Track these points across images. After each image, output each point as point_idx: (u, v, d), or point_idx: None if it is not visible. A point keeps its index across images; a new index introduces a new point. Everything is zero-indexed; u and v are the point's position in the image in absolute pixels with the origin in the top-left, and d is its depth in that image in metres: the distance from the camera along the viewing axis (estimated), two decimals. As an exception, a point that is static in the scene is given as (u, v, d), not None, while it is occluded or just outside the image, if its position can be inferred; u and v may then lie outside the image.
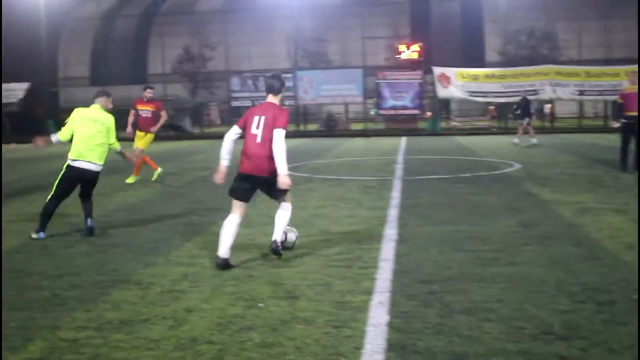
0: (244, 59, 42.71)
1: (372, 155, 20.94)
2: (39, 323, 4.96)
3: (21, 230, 8.76)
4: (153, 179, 13.99)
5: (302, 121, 38.68)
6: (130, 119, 14.36)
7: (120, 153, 8.83)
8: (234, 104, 38.29)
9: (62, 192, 8.34)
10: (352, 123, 41.57)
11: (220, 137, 7.58)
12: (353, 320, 4.87)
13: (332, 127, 37.57)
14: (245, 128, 6.76)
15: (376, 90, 36.80)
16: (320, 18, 41.74)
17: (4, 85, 40.56)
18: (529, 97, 27.03)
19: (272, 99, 6.89)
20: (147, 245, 7.64)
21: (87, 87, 43.54)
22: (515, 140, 23.77)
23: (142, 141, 14.14)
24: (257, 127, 6.67)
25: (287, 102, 38.10)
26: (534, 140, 23.30)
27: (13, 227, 9.11)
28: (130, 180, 14.00)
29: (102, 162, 8.38)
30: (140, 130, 14.22)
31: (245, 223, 7.29)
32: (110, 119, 8.53)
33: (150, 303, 5.38)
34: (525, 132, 23.86)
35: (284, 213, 6.91)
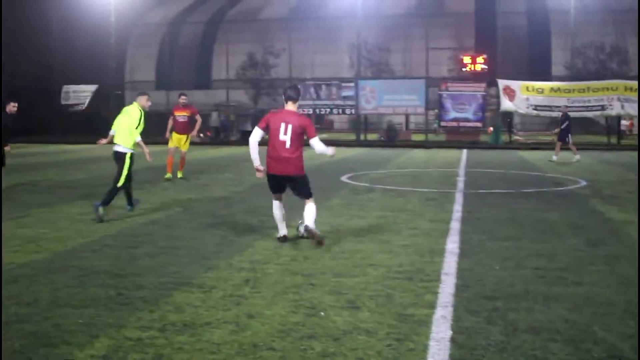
0: (307, 67, 43.00)
1: (433, 167, 20.75)
2: (105, 321, 5.05)
3: (87, 229, 8.98)
4: (165, 176, 15.52)
5: (362, 130, 38.60)
6: (169, 124, 16.16)
7: (138, 144, 10.15)
8: (296, 111, 38.52)
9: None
10: (413, 134, 41.32)
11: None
12: (415, 334, 4.81)
13: (392, 138, 37.39)
14: (267, 131, 7.89)
15: (438, 101, 36.48)
16: (384, 28, 41.76)
17: (74, 87, 41.77)
18: (587, 113, 26.31)
19: (291, 106, 8.03)
20: (208, 249, 7.72)
21: (152, 91, 44.50)
22: (555, 157, 23.18)
23: (184, 145, 15.98)
24: (285, 134, 7.79)
25: (347, 112, 38.20)
26: (577, 157, 22.85)
27: (79, 226, 9.34)
28: (176, 175, 15.73)
29: (127, 146, 10.05)
30: (178, 134, 16.02)
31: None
32: (136, 114, 10.17)
33: (212, 307, 5.43)
34: (565, 149, 23.46)
35: (310, 207, 8.01)
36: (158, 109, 43.95)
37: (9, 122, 13.45)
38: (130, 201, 10.33)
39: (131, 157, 10.07)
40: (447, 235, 8.67)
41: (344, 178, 16.31)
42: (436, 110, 38.37)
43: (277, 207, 8.14)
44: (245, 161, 22.74)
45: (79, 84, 41.88)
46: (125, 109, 10.49)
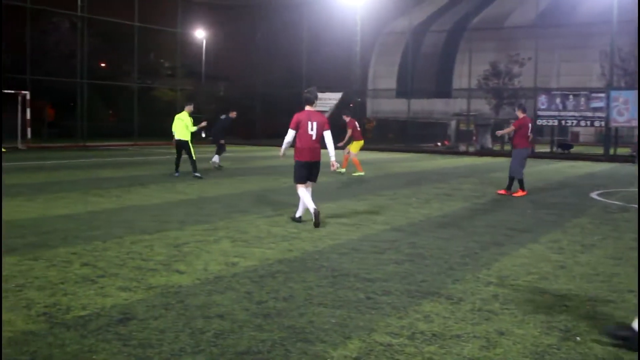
0: (553, 76, 41.13)
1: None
2: (356, 323, 5.18)
3: (335, 232, 9.33)
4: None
5: (612, 144, 36.10)
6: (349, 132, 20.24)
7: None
8: (539, 122, 36.99)
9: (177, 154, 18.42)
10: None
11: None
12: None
13: (646, 153, 34.49)
14: (298, 129, 10.03)
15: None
16: (641, 34, 38.63)
17: (320, 94, 43.79)
18: None
19: (309, 108, 10.15)
20: (455, 260, 7.64)
21: (393, 99, 45.37)
22: None
23: (354, 147, 20.11)
24: (312, 130, 10.01)
25: (596, 124, 35.95)
26: None
27: (329, 228, 9.72)
28: (356, 174, 19.56)
29: (184, 138, 17.64)
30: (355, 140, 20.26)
31: (555, 249, 6.94)
32: (186, 118, 17.70)
33: (461, 319, 5.35)
34: None
35: (309, 190, 10.19)
36: (399, 116, 44.88)
37: (227, 124, 21.55)
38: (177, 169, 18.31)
39: (190, 142, 17.72)
40: None
41: (593, 195, 15.35)
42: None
43: (304, 191, 10.09)
44: (488, 172, 22.34)
45: (325, 91, 43.87)
46: (178, 116, 17.86)
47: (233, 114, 21.49)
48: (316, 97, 10.25)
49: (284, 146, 10.36)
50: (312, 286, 6.29)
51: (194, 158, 17.75)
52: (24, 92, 31.63)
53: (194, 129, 18.06)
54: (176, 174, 17.93)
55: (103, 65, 51.50)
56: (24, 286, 6.07)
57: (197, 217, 10.53)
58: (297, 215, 10.32)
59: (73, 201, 12.24)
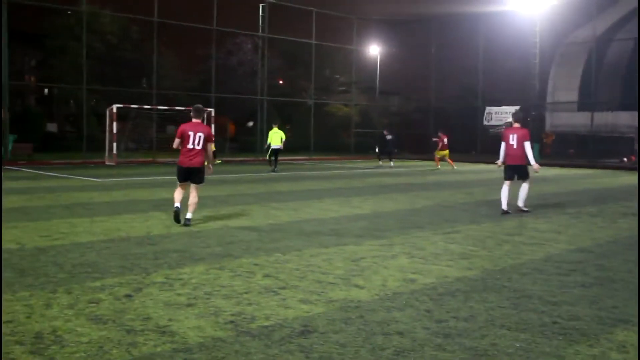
0: None
1: None
2: (541, 349, 4.92)
3: (515, 252, 8.99)
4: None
5: None
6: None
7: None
8: None
9: None
10: None
11: None
12: None
13: None
14: (506, 141, 13.29)
15: None
16: None
17: (496, 108, 42.72)
18: None
19: (517, 124, 13.34)
20: (649, 286, 7.08)
21: (574, 112, 43.26)
22: None
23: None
24: (512, 141, 13.12)
25: None
26: None
27: (506, 247, 9.39)
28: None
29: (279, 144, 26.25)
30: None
31: None
32: (281, 133, 26.08)
33: (661, 351, 4.92)
34: None
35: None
36: (579, 130, 42.70)
37: (392, 142, 31.17)
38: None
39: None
40: None
41: None
42: None
43: (506, 189, 13.27)
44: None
45: (502, 105, 42.74)
46: (272, 131, 26.29)
47: (385, 132, 31.81)
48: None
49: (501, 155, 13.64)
50: (493, 307, 6.07)
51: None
52: (209, 109, 33.58)
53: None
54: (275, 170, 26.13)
55: (281, 82, 53.57)
56: (212, 294, 6.37)
57: (373, 232, 10.58)
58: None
59: (254, 213, 12.75)
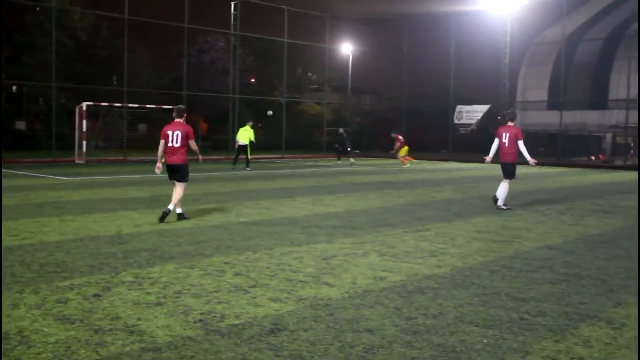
0: None
1: None
2: (509, 345, 4.97)
3: (484, 249, 9.07)
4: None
5: None
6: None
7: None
8: None
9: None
10: None
11: None
12: None
13: None
14: (499, 139, 13.71)
15: None
16: None
17: (467, 107, 43.06)
18: None
19: (511, 123, 13.74)
20: (615, 282, 7.19)
21: (543, 111, 43.75)
22: None
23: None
24: (504, 139, 13.59)
25: None
26: None
27: (476, 244, 9.48)
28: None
29: (245, 141, 26.94)
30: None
31: None
32: (250, 130, 26.94)
33: (625, 346, 5.00)
34: None
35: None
36: (549, 128, 43.15)
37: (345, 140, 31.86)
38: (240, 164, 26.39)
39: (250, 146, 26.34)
40: None
41: None
42: None
43: (505, 186, 13.81)
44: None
45: (472, 104, 43.06)
46: (242, 128, 26.89)
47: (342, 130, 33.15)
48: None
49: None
50: (462, 304, 6.13)
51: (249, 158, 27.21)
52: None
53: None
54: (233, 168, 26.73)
55: (252, 80, 53.42)
56: (181, 293, 6.34)
57: (345, 230, 10.61)
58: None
59: (226, 211, 12.72)
